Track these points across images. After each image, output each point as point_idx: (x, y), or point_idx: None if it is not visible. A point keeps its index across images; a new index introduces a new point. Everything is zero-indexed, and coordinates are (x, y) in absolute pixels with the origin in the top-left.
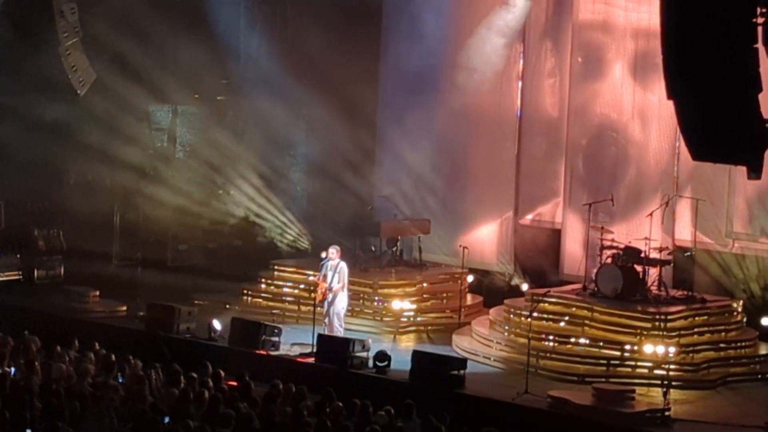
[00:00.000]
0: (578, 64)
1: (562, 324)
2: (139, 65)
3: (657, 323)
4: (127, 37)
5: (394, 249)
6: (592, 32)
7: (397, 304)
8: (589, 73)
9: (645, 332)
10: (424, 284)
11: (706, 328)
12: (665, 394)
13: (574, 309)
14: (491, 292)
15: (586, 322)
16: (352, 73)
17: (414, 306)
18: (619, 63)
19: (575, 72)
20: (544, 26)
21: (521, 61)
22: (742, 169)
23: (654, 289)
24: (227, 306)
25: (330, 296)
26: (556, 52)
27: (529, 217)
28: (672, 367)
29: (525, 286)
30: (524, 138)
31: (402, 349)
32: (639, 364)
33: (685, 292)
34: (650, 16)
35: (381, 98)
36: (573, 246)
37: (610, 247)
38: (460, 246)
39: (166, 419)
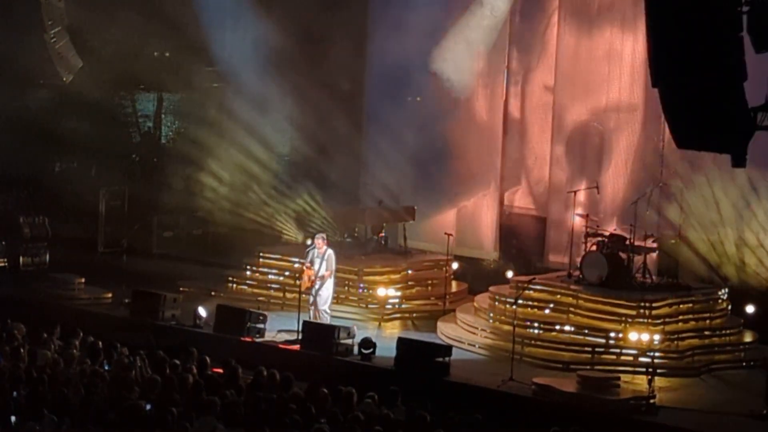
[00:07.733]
0: (563, 56)
1: (547, 311)
2: (124, 52)
3: (642, 311)
4: (112, 24)
5: (380, 236)
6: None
7: (382, 291)
8: (575, 64)
9: (630, 320)
10: (409, 271)
11: (690, 316)
12: (650, 381)
13: (559, 296)
14: (476, 279)
15: (571, 309)
16: (340, 58)
17: (399, 293)
18: (605, 55)
19: (561, 60)
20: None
21: (506, 56)
22: (729, 156)
23: (639, 276)
24: (212, 293)
25: (318, 284)
26: (539, 44)
27: (515, 204)
28: (657, 354)
29: (510, 273)
30: (509, 127)
31: (387, 336)
32: (624, 351)
33: (670, 280)
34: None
35: (368, 87)
36: (558, 233)
37: (595, 235)
38: (445, 233)
39: (148, 406)
